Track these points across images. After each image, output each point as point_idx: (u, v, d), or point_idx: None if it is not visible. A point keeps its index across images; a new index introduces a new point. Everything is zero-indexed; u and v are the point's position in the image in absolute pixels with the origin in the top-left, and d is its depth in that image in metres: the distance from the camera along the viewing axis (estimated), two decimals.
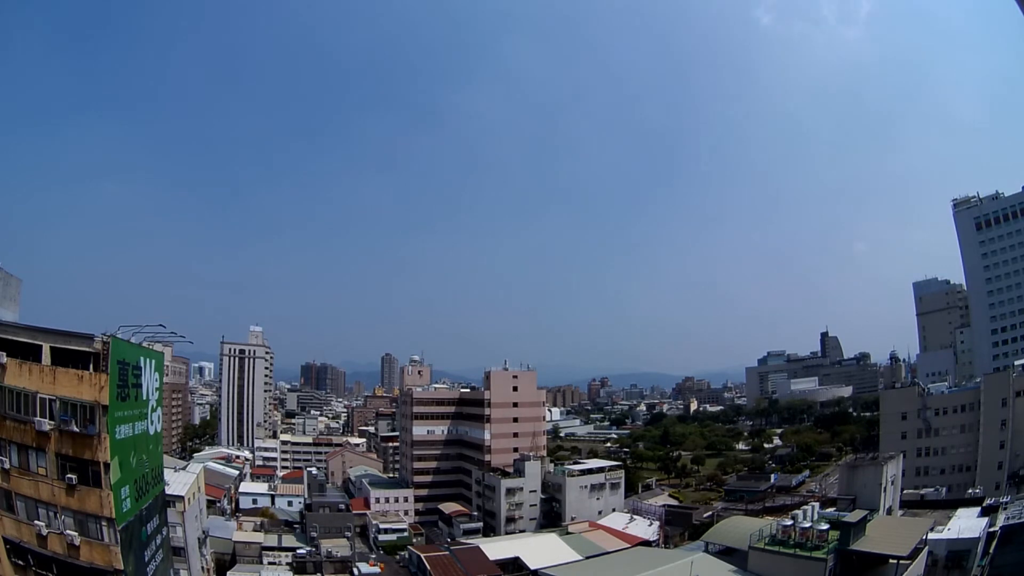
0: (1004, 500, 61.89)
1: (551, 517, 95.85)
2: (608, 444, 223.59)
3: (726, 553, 56.42)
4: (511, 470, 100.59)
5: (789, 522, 52.73)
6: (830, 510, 60.70)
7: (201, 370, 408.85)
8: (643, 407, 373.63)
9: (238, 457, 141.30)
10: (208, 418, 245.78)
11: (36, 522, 31.67)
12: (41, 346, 32.61)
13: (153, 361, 41.50)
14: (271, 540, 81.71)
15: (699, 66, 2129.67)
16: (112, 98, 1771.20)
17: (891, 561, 47.24)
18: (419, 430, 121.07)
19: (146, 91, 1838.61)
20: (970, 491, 75.26)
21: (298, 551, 79.14)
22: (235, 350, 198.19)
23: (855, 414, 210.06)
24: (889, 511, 63.24)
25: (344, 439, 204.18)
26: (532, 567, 70.54)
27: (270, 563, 75.67)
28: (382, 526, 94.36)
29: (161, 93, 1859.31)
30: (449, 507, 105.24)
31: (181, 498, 53.52)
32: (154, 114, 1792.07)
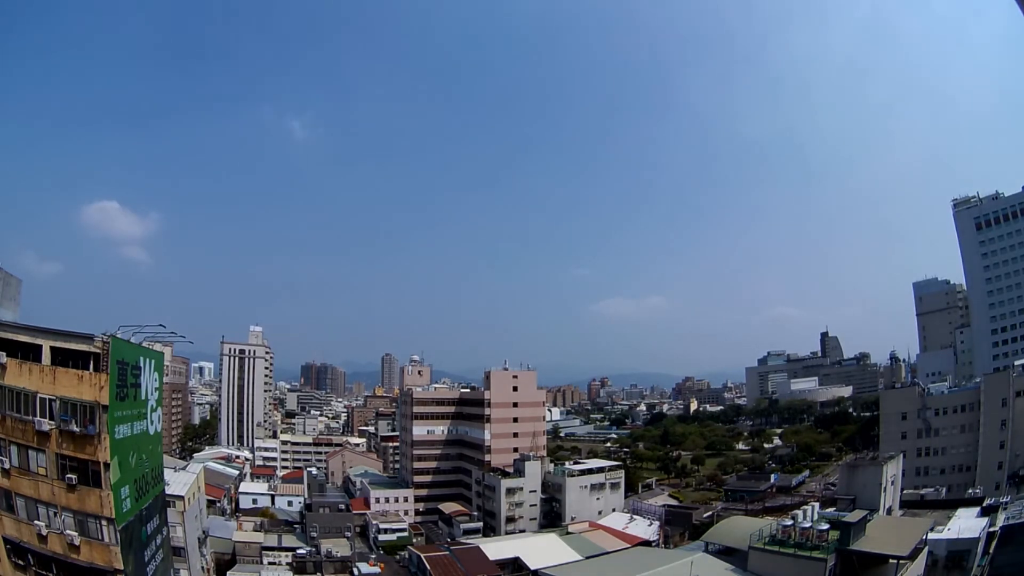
0: (1004, 500, 61.85)
1: (551, 517, 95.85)
2: (608, 444, 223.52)
3: (726, 553, 56.42)
4: (511, 470, 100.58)
5: (789, 522, 52.76)
6: (830, 510, 60.72)
7: (201, 370, 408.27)
8: (643, 407, 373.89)
9: (238, 457, 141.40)
10: (208, 418, 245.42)
11: (36, 522, 31.70)
12: (41, 346, 32.62)
13: (153, 361, 41.47)
14: (271, 540, 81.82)
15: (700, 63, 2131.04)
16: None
17: (891, 561, 47.25)
18: (419, 430, 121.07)
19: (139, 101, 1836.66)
20: (970, 491, 75.21)
21: (298, 551, 79.23)
22: (235, 350, 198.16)
23: (855, 414, 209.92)
24: (889, 511, 63.30)
25: (344, 439, 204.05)
26: (532, 567, 70.62)
27: (270, 563, 75.77)
28: (382, 526, 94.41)
29: (153, 102, 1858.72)
30: (449, 507, 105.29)
31: (181, 498, 53.54)
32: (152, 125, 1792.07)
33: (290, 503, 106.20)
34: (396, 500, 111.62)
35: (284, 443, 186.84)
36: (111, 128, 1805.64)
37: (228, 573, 68.80)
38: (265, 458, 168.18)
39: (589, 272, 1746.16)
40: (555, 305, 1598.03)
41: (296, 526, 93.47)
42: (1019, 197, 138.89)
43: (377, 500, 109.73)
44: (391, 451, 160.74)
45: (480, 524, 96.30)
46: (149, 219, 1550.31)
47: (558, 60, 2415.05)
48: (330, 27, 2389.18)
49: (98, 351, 32.84)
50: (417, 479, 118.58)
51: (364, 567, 74.52)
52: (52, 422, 31.44)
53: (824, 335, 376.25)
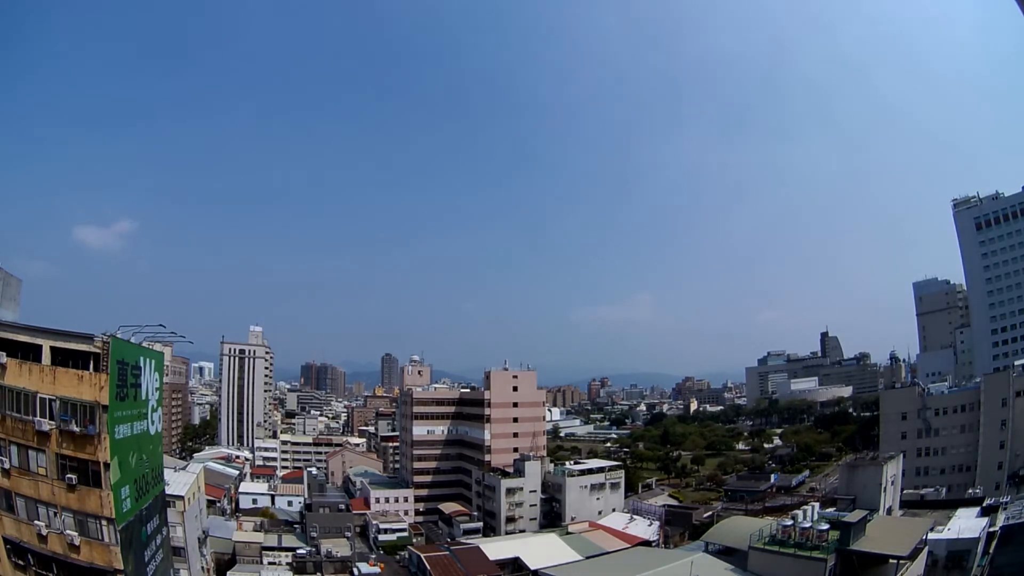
0: (1004, 500, 61.90)
1: (551, 517, 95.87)
2: (608, 444, 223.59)
3: (726, 553, 56.41)
4: (511, 470, 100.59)
5: (789, 522, 52.73)
6: (830, 510, 60.72)
7: (201, 370, 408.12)
8: (643, 407, 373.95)
9: (238, 457, 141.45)
10: (208, 418, 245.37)
11: (36, 522, 31.70)
12: (41, 346, 32.61)
13: (153, 361, 41.48)
14: (271, 540, 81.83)
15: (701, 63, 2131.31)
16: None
17: (891, 561, 47.23)
18: (419, 430, 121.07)
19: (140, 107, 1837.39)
20: (970, 491, 75.23)
21: (298, 551, 79.25)
22: (235, 350, 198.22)
23: (855, 414, 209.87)
24: (889, 511, 63.28)
25: (344, 439, 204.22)
26: (532, 567, 70.65)
27: (270, 563, 75.80)
28: (382, 526, 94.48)
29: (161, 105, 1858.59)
30: (449, 507, 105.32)
31: (181, 498, 53.56)
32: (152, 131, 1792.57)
33: (290, 503, 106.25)
34: (396, 500, 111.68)
35: (284, 443, 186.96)
36: (111, 129, 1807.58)
37: (228, 573, 68.80)
38: (265, 458, 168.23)
39: (589, 271, 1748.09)
40: (555, 305, 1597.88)
41: (296, 526, 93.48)
42: (1019, 197, 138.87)
43: (377, 500, 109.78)
44: (391, 451, 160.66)
45: (480, 524, 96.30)
46: (150, 219, 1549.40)
47: (559, 65, 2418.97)
48: (332, 27, 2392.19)
49: (98, 351, 32.83)
50: (417, 479, 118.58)
51: (364, 567, 74.53)
52: (52, 422, 31.42)
53: (824, 335, 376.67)
